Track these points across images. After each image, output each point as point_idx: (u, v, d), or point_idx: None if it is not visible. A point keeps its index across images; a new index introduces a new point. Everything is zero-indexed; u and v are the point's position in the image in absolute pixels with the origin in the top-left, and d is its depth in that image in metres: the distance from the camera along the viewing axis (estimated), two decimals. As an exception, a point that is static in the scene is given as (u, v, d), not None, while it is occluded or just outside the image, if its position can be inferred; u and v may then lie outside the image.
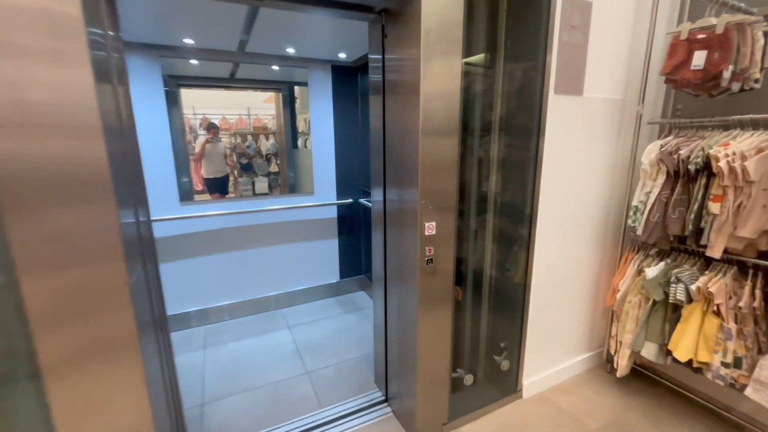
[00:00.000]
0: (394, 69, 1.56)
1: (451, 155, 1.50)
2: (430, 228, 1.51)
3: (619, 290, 1.99)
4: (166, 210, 2.54)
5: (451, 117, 1.46)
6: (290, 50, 2.51)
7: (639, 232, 1.82)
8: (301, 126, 2.93)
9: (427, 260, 1.53)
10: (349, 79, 2.97)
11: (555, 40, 1.63)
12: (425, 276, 1.55)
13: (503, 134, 1.80)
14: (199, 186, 2.69)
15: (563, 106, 1.73)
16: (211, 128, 2.67)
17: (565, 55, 1.67)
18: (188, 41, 2.22)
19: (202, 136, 2.65)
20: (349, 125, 3.07)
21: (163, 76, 2.41)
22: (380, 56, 1.63)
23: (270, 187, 2.88)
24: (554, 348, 2.11)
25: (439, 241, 1.54)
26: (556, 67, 1.66)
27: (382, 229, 1.82)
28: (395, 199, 1.68)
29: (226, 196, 2.78)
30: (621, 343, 1.98)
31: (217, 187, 2.76)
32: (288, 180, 2.95)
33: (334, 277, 3.28)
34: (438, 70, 1.39)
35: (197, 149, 2.66)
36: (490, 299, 1.99)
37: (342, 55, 2.67)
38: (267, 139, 2.85)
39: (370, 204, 2.96)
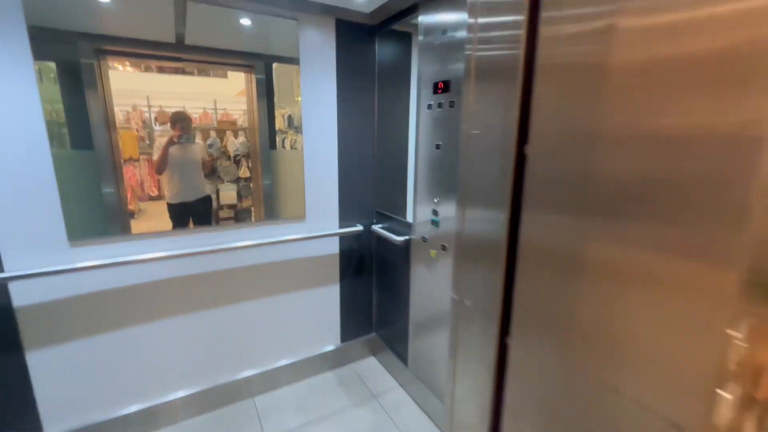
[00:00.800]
0: None
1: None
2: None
3: None
4: (36, 258, 1.39)
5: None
6: (274, -21, 1.47)
7: None
8: (278, 123, 1.91)
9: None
10: (363, 44, 1.97)
11: None
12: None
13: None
14: (134, 202, 1.56)
15: None
16: (178, 122, 1.60)
17: None
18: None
19: (161, 134, 1.57)
20: (362, 117, 2.05)
21: (77, 35, 1.29)
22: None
23: (240, 196, 1.85)
24: None
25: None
26: None
27: (501, 266, 0.87)
28: (554, 233, 0.72)
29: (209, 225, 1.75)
30: None
31: (189, 218, 1.70)
32: (262, 188, 1.91)
33: (332, 340, 2.21)
34: None
35: (156, 155, 1.57)
36: None
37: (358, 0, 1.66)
38: (236, 137, 1.83)
39: (396, 238, 1.87)
